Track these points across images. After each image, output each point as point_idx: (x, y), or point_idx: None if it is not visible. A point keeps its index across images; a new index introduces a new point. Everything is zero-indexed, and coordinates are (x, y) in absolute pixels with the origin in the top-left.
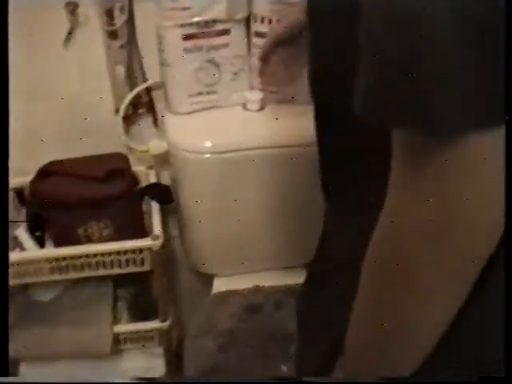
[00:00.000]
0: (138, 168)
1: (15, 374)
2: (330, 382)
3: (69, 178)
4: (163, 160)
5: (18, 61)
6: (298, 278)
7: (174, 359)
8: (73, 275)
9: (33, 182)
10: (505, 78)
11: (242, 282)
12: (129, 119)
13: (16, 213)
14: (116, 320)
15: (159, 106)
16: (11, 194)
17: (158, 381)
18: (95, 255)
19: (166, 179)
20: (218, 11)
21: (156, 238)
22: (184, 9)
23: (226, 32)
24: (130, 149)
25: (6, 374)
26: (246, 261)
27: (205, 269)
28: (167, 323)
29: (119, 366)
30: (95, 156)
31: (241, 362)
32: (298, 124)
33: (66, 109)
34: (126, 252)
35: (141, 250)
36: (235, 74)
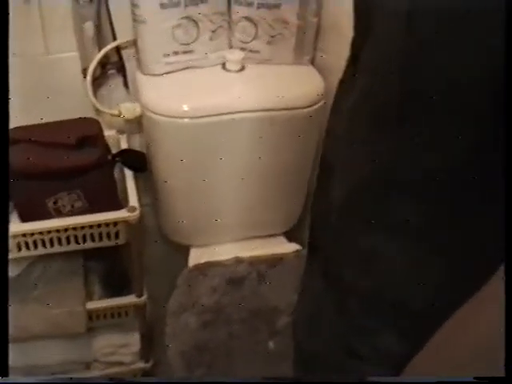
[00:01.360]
0: (108, 133)
1: None
2: (331, 382)
3: (36, 146)
4: (135, 124)
5: None
6: (279, 247)
7: (148, 334)
8: (42, 251)
9: None
10: None
11: (222, 253)
12: (97, 81)
13: None
14: (88, 294)
15: (129, 66)
16: None
17: (158, 380)
18: (66, 230)
19: (136, 145)
20: None
21: (133, 209)
22: None
23: None
24: (99, 112)
25: (6, 374)
26: (223, 230)
27: (180, 239)
28: (143, 298)
29: (94, 343)
30: (64, 121)
31: (226, 339)
32: (280, 86)
33: (29, 69)
34: (99, 225)
35: (115, 223)
36: (214, 31)
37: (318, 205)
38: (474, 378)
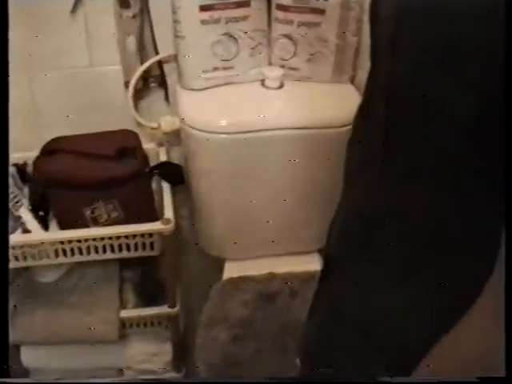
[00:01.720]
0: (147, 145)
1: (16, 359)
2: (335, 382)
3: (76, 156)
4: (175, 137)
5: (23, 30)
6: (313, 264)
7: (181, 345)
8: (78, 258)
9: (37, 160)
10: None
11: (256, 268)
12: (139, 94)
13: (19, 190)
14: (122, 303)
15: (171, 80)
16: (13, 170)
17: (158, 381)
18: (102, 238)
19: (176, 157)
20: None
21: (167, 222)
22: None
23: (246, 4)
24: (140, 125)
25: (6, 375)
26: (258, 245)
27: (215, 252)
28: (176, 309)
29: (126, 351)
30: (104, 132)
31: (254, 354)
32: (319, 104)
33: (74, 82)
34: (134, 236)
35: (150, 234)
36: (253, 48)
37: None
38: (475, 378)
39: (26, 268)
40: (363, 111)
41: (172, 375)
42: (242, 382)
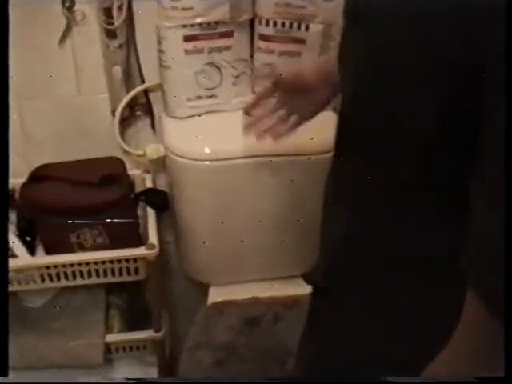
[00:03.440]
0: (133, 172)
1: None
2: (331, 382)
3: (62, 183)
4: (160, 164)
5: (13, 59)
6: (296, 289)
7: (167, 369)
8: (64, 283)
9: (24, 186)
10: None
11: (239, 292)
12: (125, 121)
13: None
14: (108, 328)
15: (157, 108)
16: None
17: (159, 380)
18: (88, 263)
19: (162, 183)
20: (222, 13)
21: (151, 247)
22: (186, 9)
23: (229, 34)
24: (126, 152)
25: (6, 374)
26: (242, 270)
27: (200, 277)
28: (161, 333)
29: (111, 376)
30: (90, 160)
31: (238, 377)
32: (300, 131)
33: (61, 109)
34: (119, 261)
35: (135, 259)
36: (237, 77)
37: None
38: (474, 378)
39: (14, 293)
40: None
41: None
42: (243, 382)
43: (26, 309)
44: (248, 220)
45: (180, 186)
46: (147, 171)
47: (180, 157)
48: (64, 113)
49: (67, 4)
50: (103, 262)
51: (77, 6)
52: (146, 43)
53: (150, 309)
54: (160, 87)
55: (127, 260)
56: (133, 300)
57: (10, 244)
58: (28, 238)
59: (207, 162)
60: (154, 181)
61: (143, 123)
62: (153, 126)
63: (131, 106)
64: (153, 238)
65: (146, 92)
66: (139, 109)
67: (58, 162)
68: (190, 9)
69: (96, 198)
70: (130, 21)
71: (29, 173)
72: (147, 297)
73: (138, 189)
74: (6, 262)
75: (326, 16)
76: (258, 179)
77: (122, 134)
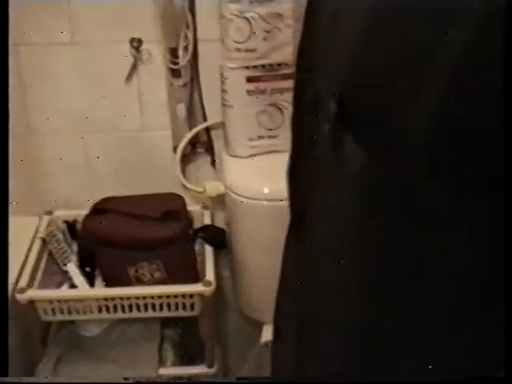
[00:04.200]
0: (192, 207)
1: None
2: (327, 382)
3: (123, 217)
4: (219, 201)
5: (80, 94)
6: None
7: None
8: (121, 315)
9: (87, 218)
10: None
11: None
12: (186, 158)
13: (68, 246)
14: (161, 361)
15: (217, 146)
16: (64, 227)
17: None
18: (145, 297)
19: (220, 220)
20: (285, 55)
21: (208, 284)
22: (249, 50)
23: (290, 76)
24: (186, 188)
25: (6, 374)
26: None
27: (254, 314)
28: (213, 369)
29: None
30: (151, 195)
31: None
32: None
33: (125, 144)
34: (176, 296)
35: (191, 295)
36: None
37: None
38: (474, 378)
39: (71, 321)
40: None
41: None
42: (242, 382)
43: (81, 337)
44: None
45: (238, 223)
46: (206, 207)
47: (239, 195)
48: (127, 148)
49: (135, 44)
50: (160, 297)
51: (144, 46)
52: (209, 82)
53: (203, 344)
54: (221, 125)
55: (184, 295)
56: (186, 334)
57: (70, 273)
58: (88, 269)
59: (266, 202)
60: (211, 217)
61: (203, 160)
62: (213, 164)
63: (192, 142)
64: (210, 274)
65: (207, 130)
66: (200, 146)
67: (120, 196)
68: (254, 50)
69: (156, 233)
70: (194, 60)
71: (91, 205)
72: (201, 332)
73: (197, 224)
74: (6, 262)
75: None
76: None
77: (183, 170)
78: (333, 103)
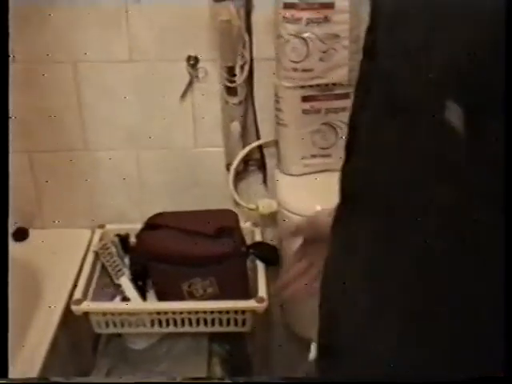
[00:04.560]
0: (243, 224)
1: None
2: (328, 382)
3: (178, 232)
4: (270, 218)
5: (135, 111)
6: None
7: None
8: (172, 329)
9: (141, 233)
10: None
11: None
12: (238, 175)
13: (120, 260)
14: (209, 375)
15: (269, 164)
16: (116, 240)
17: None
18: (197, 312)
19: (269, 238)
20: (340, 75)
21: (261, 300)
22: (306, 70)
23: (345, 96)
24: (237, 204)
25: (6, 374)
26: None
27: (302, 332)
28: None
29: None
30: (204, 211)
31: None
32: None
33: (178, 160)
34: (228, 312)
35: (243, 311)
36: None
37: None
38: (474, 378)
39: (119, 334)
40: None
41: None
42: (243, 382)
43: (130, 350)
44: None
45: (290, 241)
46: (257, 224)
47: (292, 213)
48: (180, 164)
49: (191, 62)
50: (212, 312)
51: (200, 64)
52: (263, 101)
53: (251, 360)
54: (274, 144)
55: (236, 311)
56: (235, 350)
57: (123, 287)
58: (140, 283)
59: None
60: (262, 234)
61: (255, 178)
62: (265, 182)
63: (245, 160)
64: (262, 291)
65: (260, 147)
66: (253, 164)
67: (174, 212)
68: (311, 70)
69: (210, 250)
70: (249, 79)
71: (143, 219)
72: (249, 348)
73: (247, 241)
74: (6, 262)
75: None
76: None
77: (235, 186)
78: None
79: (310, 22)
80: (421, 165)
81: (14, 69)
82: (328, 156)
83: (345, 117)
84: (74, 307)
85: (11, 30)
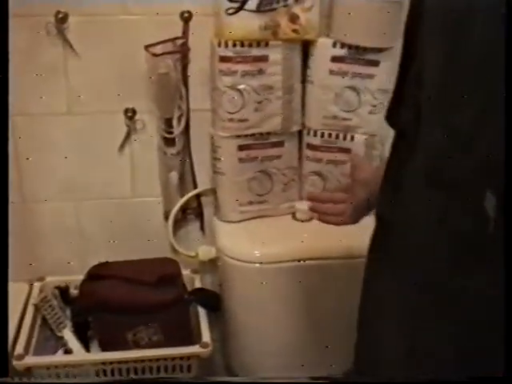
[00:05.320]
0: (183, 272)
1: None
2: (330, 383)
3: (120, 282)
4: (208, 265)
5: (74, 162)
6: None
7: None
8: (118, 379)
9: (83, 284)
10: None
11: None
12: (176, 223)
13: (61, 312)
14: None
15: (207, 211)
16: (56, 292)
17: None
18: (143, 360)
19: (208, 283)
20: (274, 124)
21: (205, 345)
22: (242, 120)
23: (280, 144)
24: (176, 252)
25: (6, 374)
26: (287, 368)
27: (248, 373)
28: None
29: None
30: (146, 260)
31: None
32: (347, 236)
33: (117, 210)
34: (173, 358)
35: (188, 357)
36: (286, 184)
37: None
38: (474, 377)
39: None
40: None
41: None
42: (243, 382)
43: None
44: (295, 320)
45: (230, 286)
46: (196, 271)
47: (232, 258)
48: (119, 214)
49: (129, 114)
50: (157, 360)
51: (138, 116)
52: (199, 150)
53: None
54: (211, 192)
55: (181, 358)
56: None
57: (65, 339)
58: (83, 334)
59: (257, 264)
60: (202, 281)
61: (193, 225)
62: (202, 229)
63: (183, 208)
64: (206, 336)
65: (197, 196)
66: (191, 212)
67: (115, 261)
68: (246, 120)
69: (154, 298)
70: (186, 129)
71: (83, 270)
72: None
73: (188, 288)
74: (6, 261)
75: (370, 128)
76: (305, 281)
77: (173, 235)
78: None
79: (245, 74)
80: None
81: None
82: (264, 202)
83: (279, 164)
84: (15, 363)
85: None
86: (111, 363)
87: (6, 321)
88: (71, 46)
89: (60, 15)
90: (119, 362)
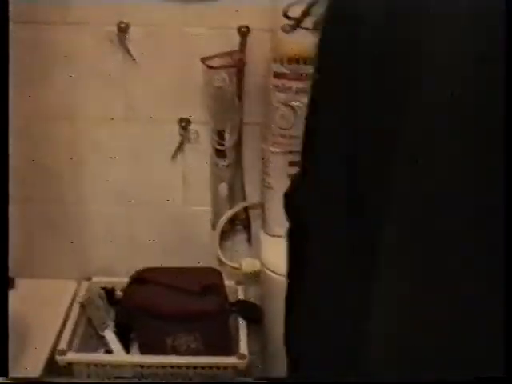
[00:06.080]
0: (227, 282)
1: None
2: (328, 382)
3: (164, 288)
4: (252, 277)
5: (127, 170)
6: None
7: None
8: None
9: (128, 287)
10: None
11: None
12: (223, 234)
13: (105, 312)
14: None
15: (254, 224)
16: (102, 293)
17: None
18: (180, 367)
19: (252, 296)
20: None
21: (242, 357)
22: (293, 137)
23: None
24: (222, 262)
25: (6, 374)
26: None
27: None
28: None
29: None
30: (190, 268)
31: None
32: None
33: (166, 218)
34: (210, 367)
35: (225, 367)
36: None
37: None
38: (474, 378)
39: None
40: None
41: None
42: (243, 382)
43: None
44: None
45: (272, 299)
46: (240, 283)
47: (274, 272)
48: (168, 221)
49: (183, 124)
50: (194, 367)
51: (192, 126)
52: (250, 164)
53: None
54: (260, 205)
55: (218, 367)
56: None
57: (107, 339)
58: (125, 335)
59: None
60: (245, 292)
61: (240, 237)
62: (249, 241)
63: (231, 220)
64: (243, 348)
65: (246, 209)
66: (239, 223)
67: (161, 267)
68: (298, 137)
69: (196, 307)
70: (238, 142)
71: (129, 274)
72: None
73: (230, 299)
74: (6, 261)
75: None
76: None
77: (220, 245)
78: None
79: (299, 91)
80: None
81: (13, 123)
82: None
83: None
84: (58, 357)
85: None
86: (149, 367)
87: (6, 321)
88: (131, 55)
89: (122, 25)
90: (157, 366)
